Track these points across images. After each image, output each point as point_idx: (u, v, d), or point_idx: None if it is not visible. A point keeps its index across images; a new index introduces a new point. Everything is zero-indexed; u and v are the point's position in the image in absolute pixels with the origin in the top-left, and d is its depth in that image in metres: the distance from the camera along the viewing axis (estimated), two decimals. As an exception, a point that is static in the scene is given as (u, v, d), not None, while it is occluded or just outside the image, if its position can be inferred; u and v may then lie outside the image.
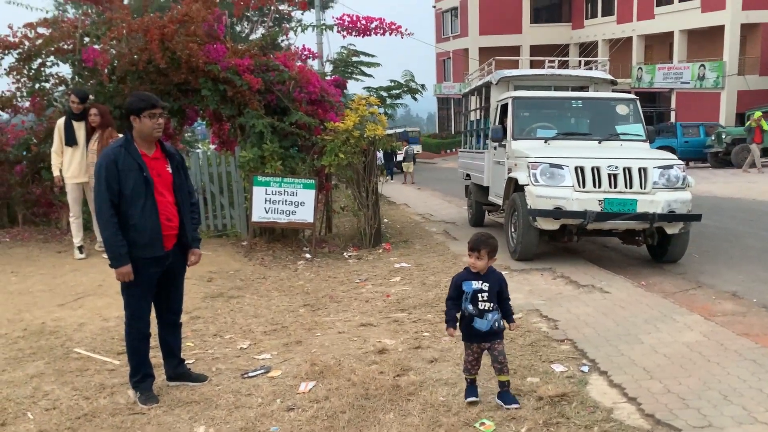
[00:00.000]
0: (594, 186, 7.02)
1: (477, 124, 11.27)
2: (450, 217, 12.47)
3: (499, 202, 8.90)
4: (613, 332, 4.72)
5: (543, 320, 5.13)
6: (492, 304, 3.48)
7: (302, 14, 21.16)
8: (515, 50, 37.42)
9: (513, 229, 7.79)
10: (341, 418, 3.41)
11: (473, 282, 3.50)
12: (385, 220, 11.18)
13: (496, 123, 9.08)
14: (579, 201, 6.92)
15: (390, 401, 3.60)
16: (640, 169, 7.03)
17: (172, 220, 3.73)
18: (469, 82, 14.88)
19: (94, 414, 3.58)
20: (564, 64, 16.24)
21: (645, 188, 6.99)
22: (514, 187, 7.83)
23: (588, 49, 37.23)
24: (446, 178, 22.59)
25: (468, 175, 11.40)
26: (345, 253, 8.60)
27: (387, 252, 8.59)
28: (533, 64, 15.19)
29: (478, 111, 11.27)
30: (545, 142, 8.09)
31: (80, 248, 7.49)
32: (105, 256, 6.97)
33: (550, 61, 11.24)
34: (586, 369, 4.02)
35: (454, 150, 36.72)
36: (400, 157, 24.86)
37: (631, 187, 6.99)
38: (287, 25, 10.80)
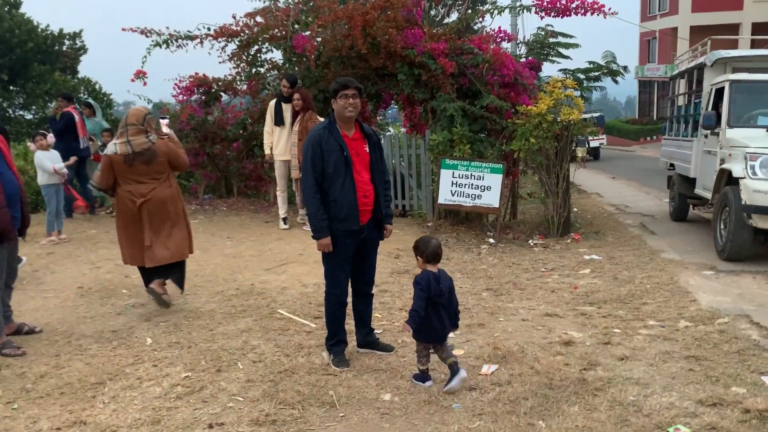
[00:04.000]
0: (826, 183, 6.13)
1: (685, 109, 10.35)
2: (648, 210, 11.64)
3: (708, 195, 8.12)
4: (843, 349, 4.12)
5: (754, 327, 4.62)
6: None
7: (498, -5, 20.85)
8: (734, 29, 33.48)
9: (722, 226, 7.08)
10: (523, 404, 3.38)
11: None
12: (575, 210, 10.74)
13: (709, 109, 8.26)
14: (805, 199, 6.09)
15: (575, 394, 3.49)
16: None
17: (368, 197, 3.94)
18: (678, 64, 13.67)
19: (293, 371, 3.92)
20: (795, 43, 14.26)
21: None
22: (727, 180, 7.10)
23: (827, 26, 32.26)
24: (645, 167, 21.06)
25: (672, 165, 10.54)
26: (530, 241, 8.42)
27: (576, 242, 8.27)
28: (755, 44, 13.50)
29: (687, 95, 10.34)
30: (767, 131, 7.21)
31: (284, 219, 8.20)
32: (306, 228, 7.59)
33: (778, 40, 9.93)
34: (805, 387, 3.56)
35: (655, 137, 34.05)
36: (594, 144, 24.17)
37: None
38: (482, 8, 10.71)
